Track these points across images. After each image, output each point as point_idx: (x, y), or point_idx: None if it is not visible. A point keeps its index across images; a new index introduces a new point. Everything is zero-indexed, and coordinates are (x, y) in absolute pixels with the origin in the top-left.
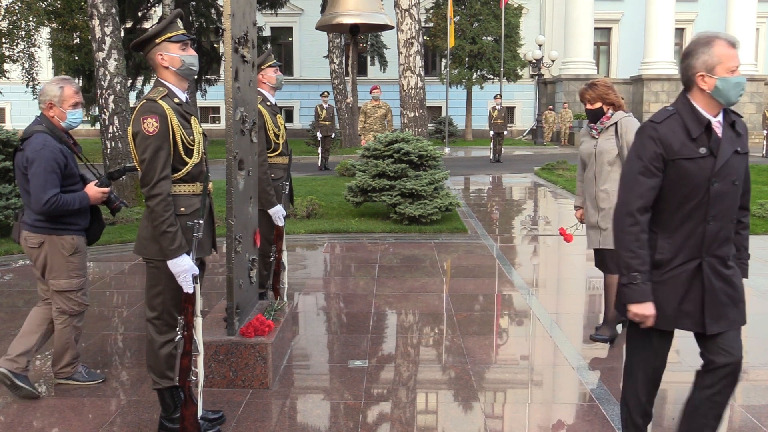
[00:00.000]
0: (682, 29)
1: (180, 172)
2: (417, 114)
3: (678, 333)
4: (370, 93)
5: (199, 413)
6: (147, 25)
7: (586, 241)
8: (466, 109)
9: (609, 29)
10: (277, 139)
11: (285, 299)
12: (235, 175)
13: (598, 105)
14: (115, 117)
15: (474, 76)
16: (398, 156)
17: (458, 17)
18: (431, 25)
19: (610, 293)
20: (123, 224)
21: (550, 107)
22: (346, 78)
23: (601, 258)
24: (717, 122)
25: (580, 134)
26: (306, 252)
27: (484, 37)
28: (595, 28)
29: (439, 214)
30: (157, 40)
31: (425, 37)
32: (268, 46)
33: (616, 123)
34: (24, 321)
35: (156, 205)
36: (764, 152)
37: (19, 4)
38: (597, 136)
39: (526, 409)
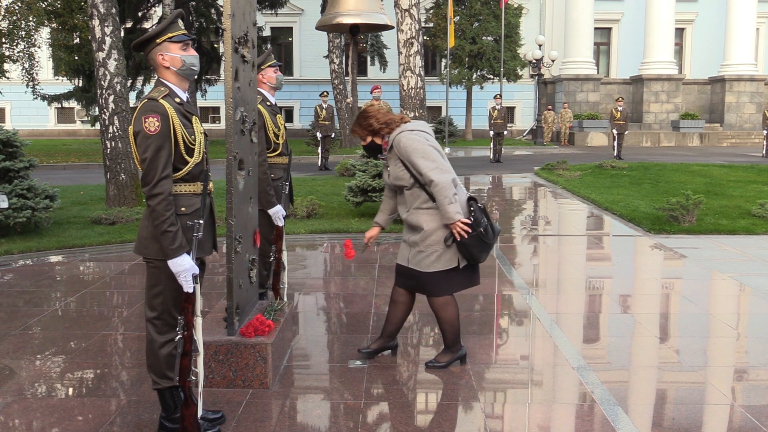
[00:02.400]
0: (682, 29)
1: (181, 172)
2: (417, 114)
3: (678, 333)
4: (371, 93)
5: (199, 413)
6: (147, 25)
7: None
8: (466, 109)
9: (609, 29)
10: (277, 139)
11: (285, 299)
12: (235, 175)
13: (369, 140)
14: (115, 117)
15: (474, 76)
16: None
17: (458, 17)
18: (431, 25)
19: (438, 317)
20: (123, 224)
21: (550, 107)
22: (346, 78)
23: (411, 279)
24: None
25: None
26: (306, 252)
27: (484, 37)
28: (595, 28)
29: None
30: (158, 40)
31: (425, 37)
32: (268, 46)
33: (392, 146)
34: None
35: (157, 205)
36: (764, 152)
37: (19, 4)
38: (388, 165)
39: (526, 409)
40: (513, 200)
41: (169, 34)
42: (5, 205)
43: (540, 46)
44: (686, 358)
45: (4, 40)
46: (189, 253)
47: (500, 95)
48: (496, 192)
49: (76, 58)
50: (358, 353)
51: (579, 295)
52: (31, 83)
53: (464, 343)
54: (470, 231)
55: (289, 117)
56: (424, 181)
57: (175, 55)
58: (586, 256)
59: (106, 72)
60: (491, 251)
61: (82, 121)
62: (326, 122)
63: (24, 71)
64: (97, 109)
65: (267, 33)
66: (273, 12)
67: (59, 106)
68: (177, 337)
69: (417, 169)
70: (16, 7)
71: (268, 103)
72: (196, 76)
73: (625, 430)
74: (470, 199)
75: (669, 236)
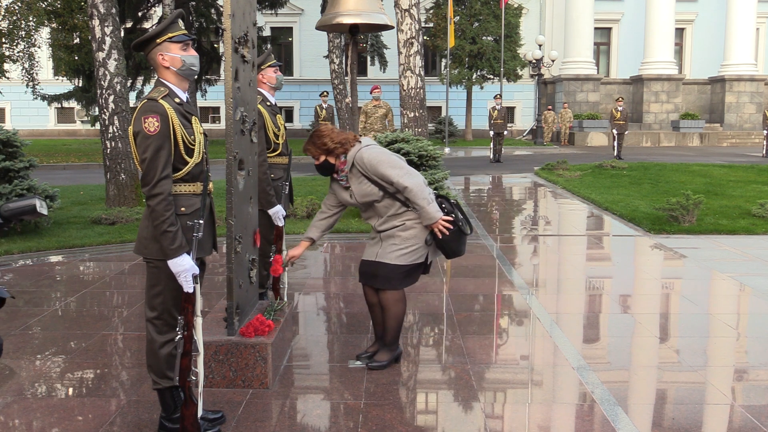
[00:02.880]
0: (682, 29)
1: (181, 172)
2: (417, 114)
3: (678, 333)
4: (371, 93)
5: (199, 413)
6: (147, 25)
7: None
8: (466, 109)
9: (609, 29)
10: (277, 139)
11: (285, 299)
12: (235, 175)
13: (322, 159)
14: (115, 117)
15: (474, 76)
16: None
17: (458, 17)
18: (431, 25)
19: (388, 312)
20: (123, 224)
21: (550, 107)
22: (345, 78)
23: (373, 273)
24: None
25: (332, 184)
26: (306, 252)
27: (484, 37)
28: (595, 28)
29: None
30: (158, 40)
31: (425, 37)
32: (268, 46)
33: (353, 165)
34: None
35: (157, 205)
36: (764, 152)
37: (19, 4)
38: (347, 185)
39: (526, 409)
40: (513, 200)
41: (169, 34)
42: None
43: (540, 46)
44: (686, 358)
45: (4, 40)
46: (189, 253)
47: (500, 95)
48: (496, 192)
49: (76, 58)
50: (357, 359)
51: (579, 295)
52: (31, 83)
53: (465, 344)
54: (451, 227)
55: (289, 117)
56: (397, 189)
57: (175, 55)
58: (586, 256)
59: (106, 72)
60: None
61: (82, 121)
62: (326, 122)
63: (24, 71)
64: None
65: (267, 33)
66: (273, 12)
67: (59, 106)
68: (177, 337)
69: (387, 179)
70: (16, 7)
71: (268, 103)
72: (196, 76)
73: (625, 430)
74: (438, 196)
75: (669, 236)
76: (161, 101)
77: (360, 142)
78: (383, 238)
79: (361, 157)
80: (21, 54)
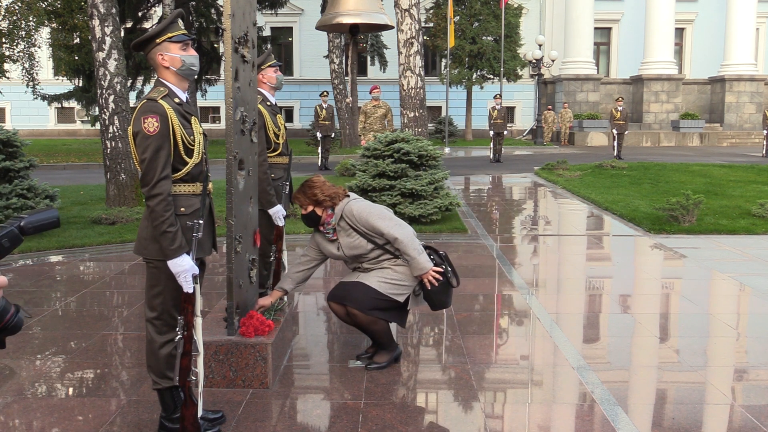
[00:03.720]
0: (682, 29)
1: (180, 172)
2: (417, 114)
3: (678, 333)
4: (370, 93)
5: (199, 413)
6: (147, 25)
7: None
8: (466, 109)
9: (609, 29)
10: (278, 139)
11: (285, 299)
12: (235, 175)
13: (310, 209)
14: (115, 117)
15: (474, 76)
16: (398, 156)
17: (458, 17)
18: (431, 25)
19: (367, 330)
20: (123, 224)
21: (550, 107)
22: (346, 78)
23: (345, 290)
24: None
25: (315, 236)
26: None
27: (484, 37)
28: (595, 28)
29: (439, 214)
30: (157, 40)
31: (425, 37)
32: (268, 46)
33: (342, 217)
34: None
35: (156, 205)
36: (764, 152)
37: (19, 4)
38: (334, 238)
39: (526, 409)
40: (513, 200)
41: (169, 34)
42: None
43: (540, 46)
44: (686, 358)
45: (4, 40)
46: (189, 254)
47: (500, 95)
48: (496, 192)
49: (76, 58)
50: (357, 359)
51: (579, 295)
52: (31, 83)
53: (465, 344)
54: (440, 279)
55: (289, 117)
56: (387, 240)
57: (174, 55)
58: (586, 256)
59: (106, 72)
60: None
61: (82, 121)
62: (326, 122)
63: (24, 71)
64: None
65: (267, 33)
66: (273, 12)
67: (59, 106)
68: (177, 337)
69: (377, 231)
70: (16, 7)
71: (269, 103)
72: (195, 77)
73: (625, 430)
74: (426, 248)
75: (669, 236)
76: (161, 101)
77: (348, 195)
78: (369, 269)
79: (350, 209)
80: (21, 54)
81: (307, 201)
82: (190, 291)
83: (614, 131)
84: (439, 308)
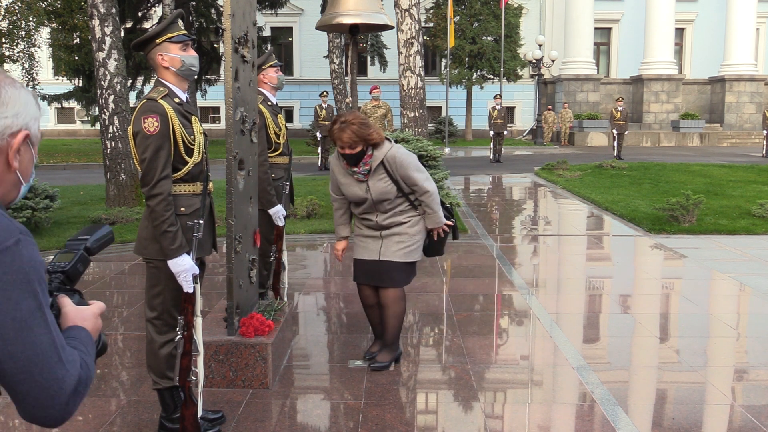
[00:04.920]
0: (682, 29)
1: (180, 172)
2: (417, 114)
3: (678, 333)
4: (370, 93)
5: (199, 413)
6: (147, 25)
7: (356, 251)
8: (466, 109)
9: (609, 29)
10: (278, 139)
11: (285, 299)
12: (235, 175)
13: (359, 149)
14: (115, 117)
15: (474, 76)
16: None
17: (458, 17)
18: (431, 25)
19: (389, 311)
20: (123, 224)
21: (550, 107)
22: (345, 78)
23: (378, 271)
24: None
25: (335, 170)
26: (306, 252)
27: (484, 37)
28: (595, 28)
29: None
30: (157, 41)
31: (425, 37)
32: (268, 46)
33: (382, 162)
34: None
35: (156, 205)
36: (764, 152)
37: (19, 4)
38: (364, 179)
39: (526, 409)
40: (513, 200)
41: (169, 35)
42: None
43: (540, 46)
44: (686, 358)
45: (4, 40)
46: (189, 254)
47: (500, 95)
48: (496, 192)
49: (76, 58)
50: (364, 359)
51: (579, 295)
52: (31, 83)
53: (465, 344)
54: (448, 231)
55: (289, 117)
56: (417, 192)
57: (174, 56)
58: (586, 256)
59: (106, 72)
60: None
61: (82, 121)
62: (326, 122)
63: (24, 71)
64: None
65: (267, 33)
66: (273, 12)
67: (59, 106)
68: (177, 337)
69: (412, 181)
70: (16, 7)
71: (269, 103)
72: (195, 77)
73: (625, 430)
74: None
75: (669, 236)
76: (161, 101)
77: (388, 140)
78: (385, 236)
79: (393, 155)
80: (21, 54)
81: (359, 141)
82: (190, 291)
83: (614, 131)
84: (433, 255)
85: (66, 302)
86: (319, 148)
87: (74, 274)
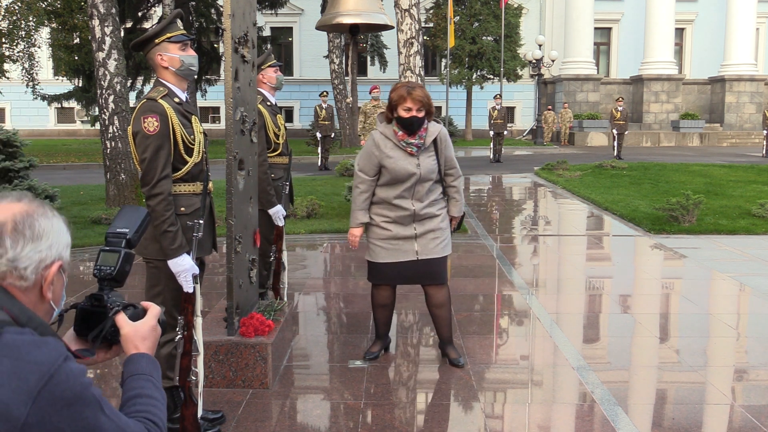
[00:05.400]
0: (682, 29)
1: (180, 172)
2: None
3: (678, 333)
4: (370, 93)
5: (199, 413)
6: (147, 25)
7: (379, 254)
8: (466, 109)
9: (609, 29)
10: (278, 139)
11: (285, 299)
12: (235, 175)
13: (422, 114)
14: (115, 117)
15: (474, 76)
16: None
17: (458, 17)
18: (431, 25)
19: (444, 307)
20: None
21: (550, 107)
22: (346, 78)
23: (428, 271)
24: None
25: (379, 145)
26: (306, 252)
27: (484, 37)
28: (595, 28)
29: None
30: (156, 41)
31: (425, 37)
32: (268, 46)
33: (435, 139)
34: None
35: (156, 205)
36: (764, 152)
37: (19, 4)
38: (415, 154)
39: (526, 409)
40: (513, 200)
41: (168, 35)
42: None
43: (540, 46)
44: (686, 358)
45: (4, 40)
46: (189, 253)
47: (500, 95)
48: (496, 192)
49: (76, 58)
50: (365, 359)
51: (579, 295)
52: (31, 83)
53: (465, 344)
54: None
55: (289, 117)
56: (452, 175)
57: (173, 56)
58: (586, 256)
59: (106, 72)
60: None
61: (82, 121)
62: (326, 122)
63: (24, 71)
64: (97, 109)
65: (267, 33)
66: (273, 12)
67: (59, 106)
68: (177, 337)
69: (451, 163)
70: (16, 7)
71: (269, 103)
72: (195, 76)
73: (625, 430)
74: None
75: (669, 236)
76: (160, 101)
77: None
78: (420, 235)
79: (445, 134)
80: (21, 54)
81: (426, 104)
82: (191, 291)
83: (614, 131)
84: None
85: (123, 322)
86: (319, 148)
87: (122, 275)
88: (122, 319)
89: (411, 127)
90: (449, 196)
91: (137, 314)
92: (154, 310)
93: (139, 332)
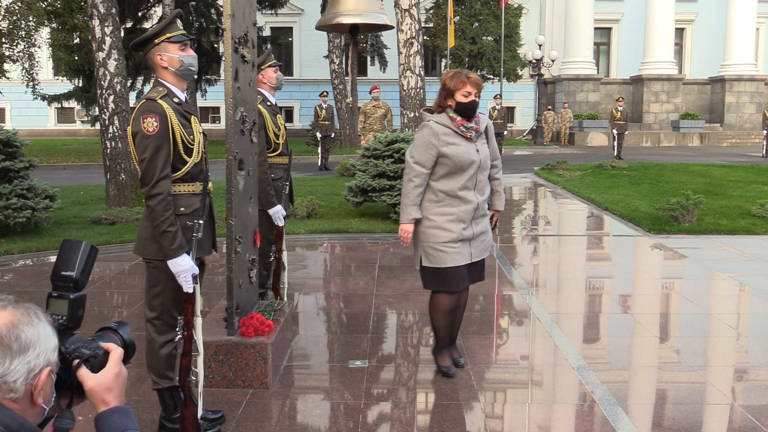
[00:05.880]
0: (682, 29)
1: (180, 172)
2: (417, 114)
3: (678, 333)
4: (370, 93)
5: (199, 413)
6: (147, 25)
7: (443, 259)
8: None
9: (609, 29)
10: (277, 139)
11: (285, 299)
12: (235, 175)
13: (478, 98)
14: (115, 117)
15: None
16: (398, 156)
17: (458, 17)
18: (431, 25)
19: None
20: (123, 224)
21: (550, 107)
22: (346, 78)
23: (481, 268)
24: None
25: (439, 134)
26: (306, 252)
27: (484, 37)
28: (595, 28)
29: None
30: (156, 41)
31: (425, 37)
32: (268, 46)
33: (486, 127)
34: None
35: (156, 205)
36: (764, 152)
37: (19, 4)
38: (474, 139)
39: (526, 409)
40: (513, 200)
41: (168, 35)
42: None
43: (540, 46)
44: (686, 358)
45: (4, 40)
46: (189, 253)
47: (500, 95)
48: None
49: (76, 58)
50: (445, 374)
51: (579, 295)
52: (31, 83)
53: (465, 344)
54: None
55: (289, 117)
56: (499, 166)
57: (173, 56)
58: (586, 256)
59: (106, 72)
60: None
61: (82, 121)
62: (326, 122)
63: (24, 71)
64: (97, 109)
65: (267, 33)
66: (273, 12)
67: (59, 106)
68: (177, 337)
69: (495, 155)
70: (16, 7)
71: (269, 103)
72: (195, 76)
73: (625, 430)
74: None
75: (669, 236)
76: (160, 101)
77: None
78: (476, 236)
79: (490, 123)
80: (21, 54)
81: (480, 90)
82: (190, 291)
83: (614, 131)
84: None
85: (86, 377)
86: (319, 148)
87: (76, 321)
88: (84, 374)
89: (472, 111)
90: (493, 189)
91: (100, 362)
92: (115, 354)
93: (104, 384)
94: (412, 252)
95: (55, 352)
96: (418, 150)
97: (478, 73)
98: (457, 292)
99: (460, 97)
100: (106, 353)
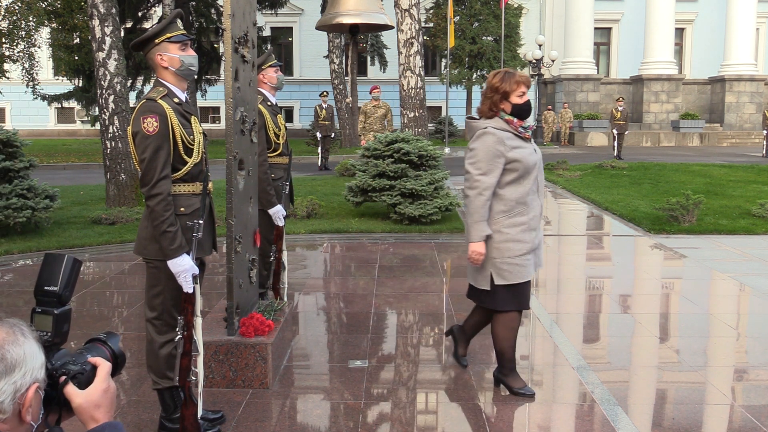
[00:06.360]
0: (682, 29)
1: (180, 172)
2: (417, 114)
3: (678, 333)
4: (370, 93)
5: (199, 413)
6: (147, 25)
7: (516, 273)
8: (466, 109)
9: (609, 29)
10: (278, 139)
11: (285, 299)
12: (235, 175)
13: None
14: (115, 117)
15: (474, 76)
16: (398, 156)
17: (458, 17)
18: (431, 25)
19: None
20: (123, 224)
21: (550, 107)
22: (346, 78)
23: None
24: None
25: (503, 139)
26: (306, 252)
27: (484, 37)
28: (595, 28)
29: (439, 214)
30: (156, 41)
31: (425, 37)
32: (268, 46)
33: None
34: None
35: (156, 205)
36: (764, 152)
37: (19, 4)
38: (530, 137)
39: (526, 409)
40: None
41: (168, 35)
42: None
43: (540, 46)
44: (686, 358)
45: (4, 40)
46: (189, 254)
47: None
48: None
49: (76, 58)
50: (527, 395)
51: (579, 295)
52: (31, 83)
53: None
54: None
55: (289, 117)
56: None
57: (173, 56)
58: (586, 256)
59: (106, 72)
60: None
61: (82, 121)
62: (326, 122)
63: (24, 71)
64: (97, 109)
65: (267, 33)
66: (273, 12)
67: (59, 106)
68: (177, 337)
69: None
70: (16, 7)
71: (269, 103)
72: (195, 76)
73: (625, 430)
74: None
75: (669, 236)
76: (160, 101)
77: None
78: (540, 242)
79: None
80: (21, 54)
81: (528, 87)
82: (190, 291)
83: (614, 131)
84: None
85: (73, 394)
86: (319, 148)
87: (62, 336)
88: (71, 392)
89: (528, 111)
90: None
91: (87, 378)
92: (103, 369)
93: (92, 401)
94: (413, 252)
95: (42, 369)
96: (484, 160)
97: (478, 73)
98: (528, 308)
99: (515, 99)
100: (94, 368)
